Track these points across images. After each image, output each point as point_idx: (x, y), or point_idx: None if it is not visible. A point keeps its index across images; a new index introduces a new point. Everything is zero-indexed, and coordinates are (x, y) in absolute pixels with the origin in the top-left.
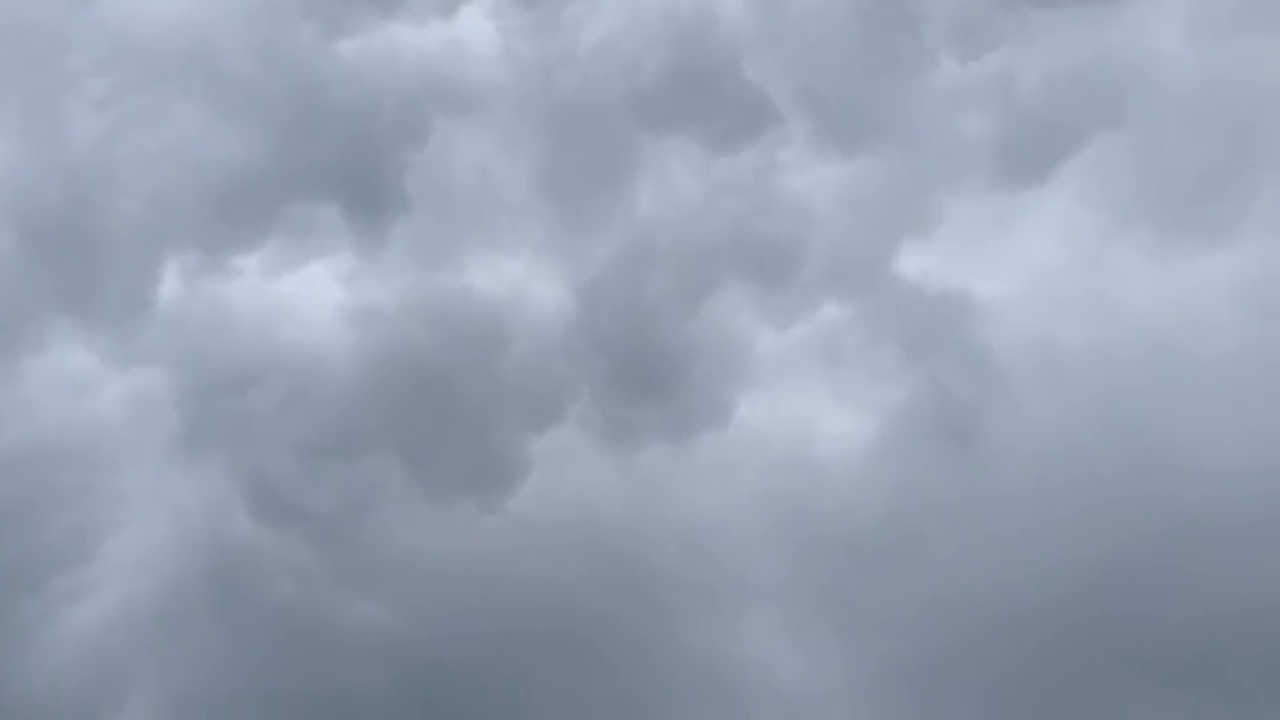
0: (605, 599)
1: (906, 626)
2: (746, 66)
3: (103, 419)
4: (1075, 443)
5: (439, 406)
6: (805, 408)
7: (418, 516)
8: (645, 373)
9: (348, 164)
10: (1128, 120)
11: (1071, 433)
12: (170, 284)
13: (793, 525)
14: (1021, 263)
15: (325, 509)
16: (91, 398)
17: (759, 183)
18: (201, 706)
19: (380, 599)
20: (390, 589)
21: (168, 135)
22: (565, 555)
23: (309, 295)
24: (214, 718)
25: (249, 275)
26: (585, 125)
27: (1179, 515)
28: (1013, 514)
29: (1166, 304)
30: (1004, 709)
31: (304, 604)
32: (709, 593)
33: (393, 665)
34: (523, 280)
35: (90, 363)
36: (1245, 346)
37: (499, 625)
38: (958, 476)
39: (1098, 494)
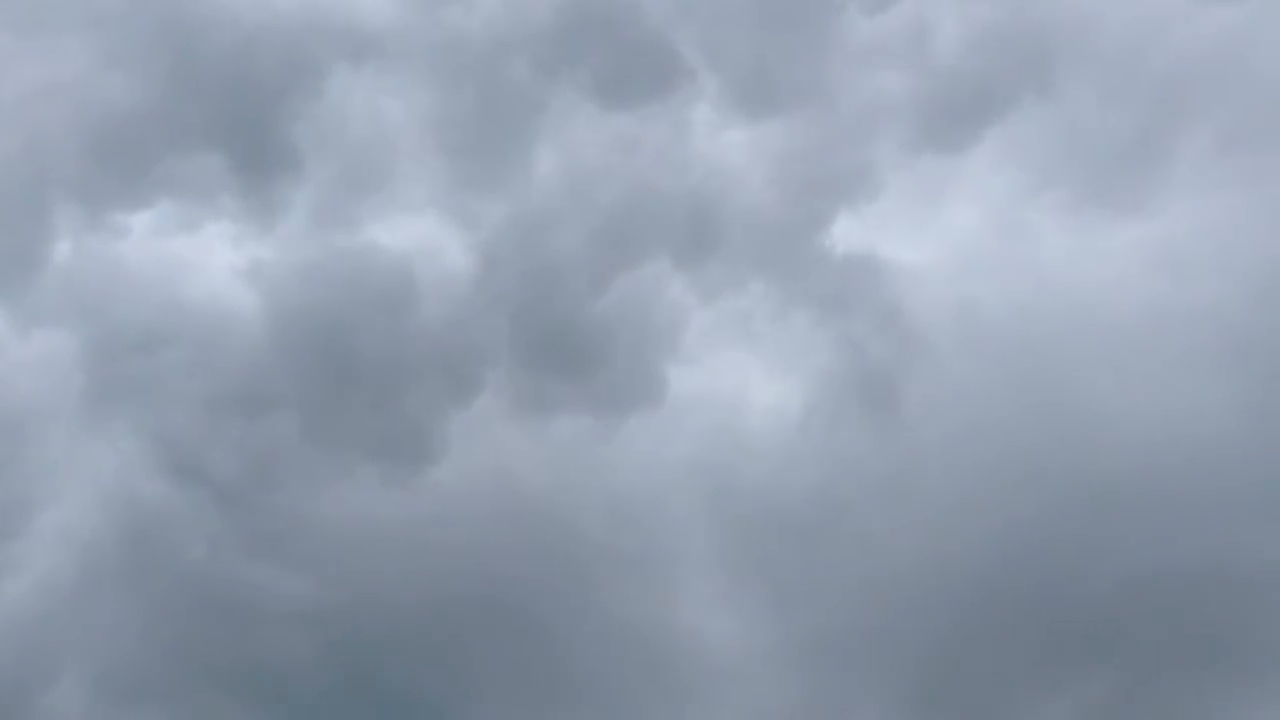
0: (531, 568)
1: (835, 595)
2: (655, 23)
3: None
4: (995, 408)
5: (345, 371)
6: (730, 378)
7: (329, 483)
8: (562, 341)
9: (235, 115)
10: (1050, 83)
11: (991, 398)
12: (62, 242)
13: (721, 497)
14: (942, 228)
15: (234, 473)
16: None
17: (672, 144)
18: (129, 679)
19: (297, 566)
20: (307, 556)
21: (47, 75)
22: (488, 525)
23: (204, 256)
24: (143, 691)
25: (140, 234)
26: (486, 75)
27: (1099, 482)
28: (936, 482)
29: (1085, 268)
30: (931, 675)
31: (219, 571)
32: (638, 562)
33: (316, 634)
34: (426, 238)
35: None
36: (1163, 311)
37: (423, 594)
38: (882, 445)
39: (1019, 460)
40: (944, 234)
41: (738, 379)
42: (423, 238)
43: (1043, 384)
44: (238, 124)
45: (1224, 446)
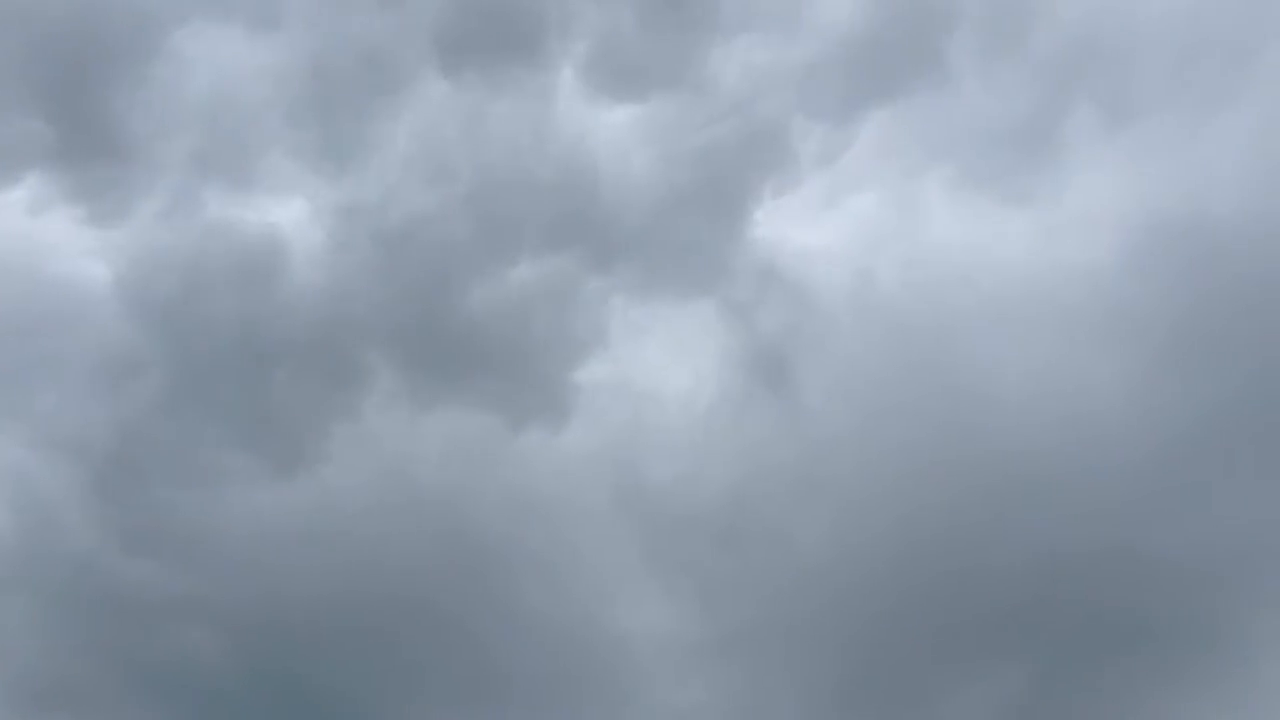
0: (436, 564)
1: (751, 589)
2: None
3: None
4: (895, 391)
5: (218, 361)
6: (632, 370)
7: (209, 478)
8: (447, 332)
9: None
10: (941, 61)
11: (891, 381)
12: None
13: (630, 491)
14: (836, 208)
15: (109, 466)
16: None
17: (540, 123)
18: (36, 681)
19: (183, 563)
20: (192, 552)
21: None
22: (385, 519)
23: (56, 236)
24: (53, 692)
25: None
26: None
27: (1003, 465)
28: (845, 470)
29: (980, 247)
30: (852, 666)
31: (108, 566)
32: (549, 559)
33: (220, 631)
34: (288, 219)
35: None
36: (1059, 288)
37: (325, 590)
38: (789, 434)
39: (924, 446)
40: (838, 214)
41: (640, 370)
42: (282, 216)
43: (942, 366)
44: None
45: (1126, 424)
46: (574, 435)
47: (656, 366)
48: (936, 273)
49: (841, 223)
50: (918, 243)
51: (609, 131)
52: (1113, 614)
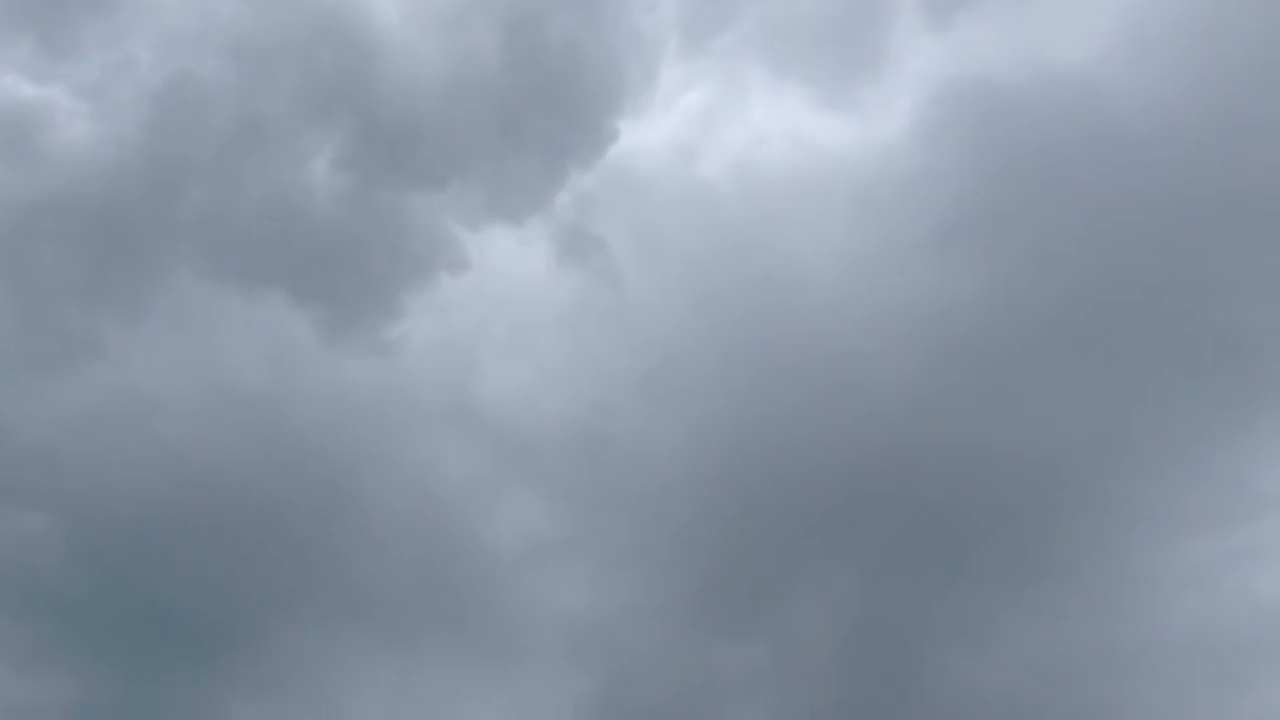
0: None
1: (597, 498)
2: None
3: None
4: (728, 297)
5: None
6: (471, 285)
7: None
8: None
9: None
10: None
11: (723, 286)
12: None
13: (479, 406)
14: (668, 107)
15: None
16: None
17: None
18: None
19: None
20: None
21: None
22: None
23: None
24: None
25: None
26: None
27: (835, 368)
28: (688, 378)
29: (807, 145)
30: (709, 571)
31: None
32: (410, 475)
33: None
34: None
35: None
36: (881, 186)
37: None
38: (629, 344)
39: (750, 340)
40: (668, 113)
41: (478, 275)
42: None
43: (763, 254)
44: None
45: (956, 325)
46: (417, 343)
47: (493, 272)
48: (764, 170)
49: (671, 119)
50: (745, 139)
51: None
52: (941, 510)
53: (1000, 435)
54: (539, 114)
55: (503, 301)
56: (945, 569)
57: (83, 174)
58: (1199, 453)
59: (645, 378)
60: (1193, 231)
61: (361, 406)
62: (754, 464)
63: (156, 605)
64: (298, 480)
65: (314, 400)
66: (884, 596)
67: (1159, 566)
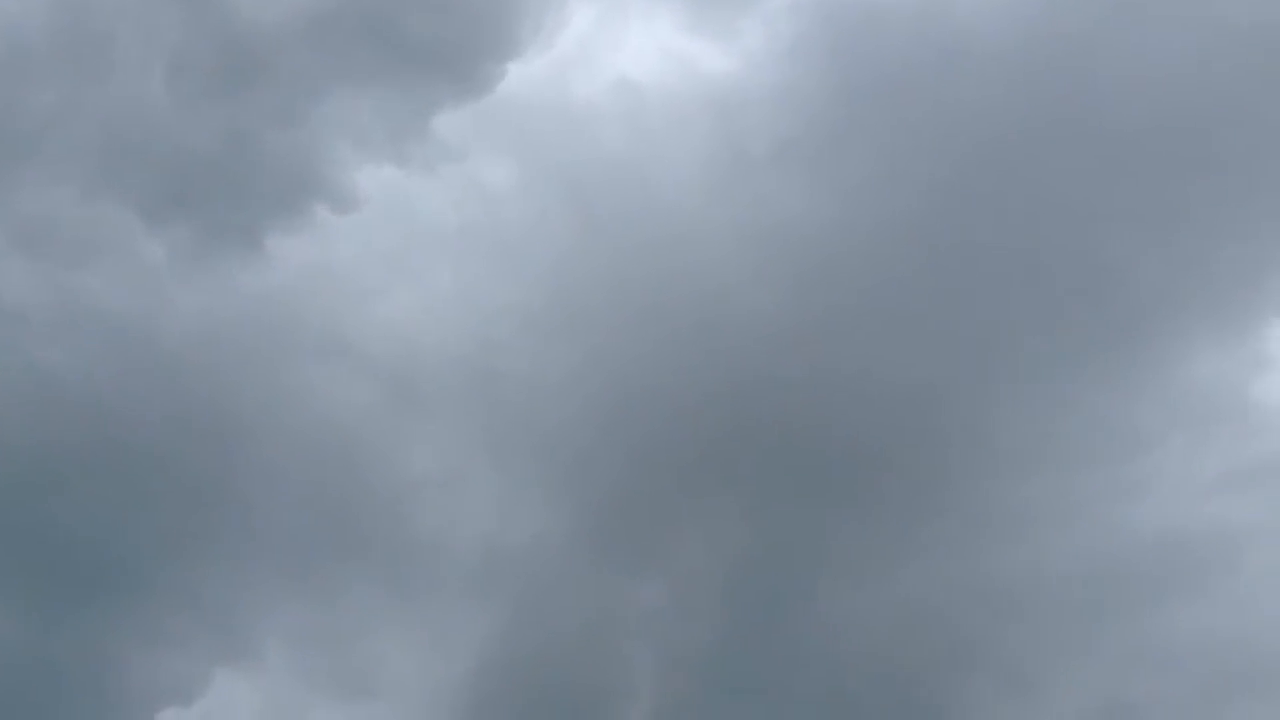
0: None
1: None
2: None
3: None
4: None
5: None
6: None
7: None
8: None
9: None
10: None
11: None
12: None
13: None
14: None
15: None
16: None
17: None
18: None
19: None
20: None
21: None
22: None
23: None
24: None
25: None
26: None
27: (699, 293)
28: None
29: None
30: (607, 506)
31: None
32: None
33: None
34: None
35: None
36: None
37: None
38: (503, 268)
39: (632, 281)
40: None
41: (355, 214)
42: None
43: (650, 198)
44: None
45: (822, 250)
46: (288, 275)
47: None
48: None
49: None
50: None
51: None
52: (817, 443)
53: (872, 365)
54: (415, 37)
55: (381, 231)
56: (823, 503)
57: None
58: (1068, 385)
59: (532, 310)
60: (1051, 153)
61: (238, 337)
62: (642, 398)
63: (36, 545)
64: (178, 411)
65: (185, 328)
66: (767, 532)
67: (1033, 501)
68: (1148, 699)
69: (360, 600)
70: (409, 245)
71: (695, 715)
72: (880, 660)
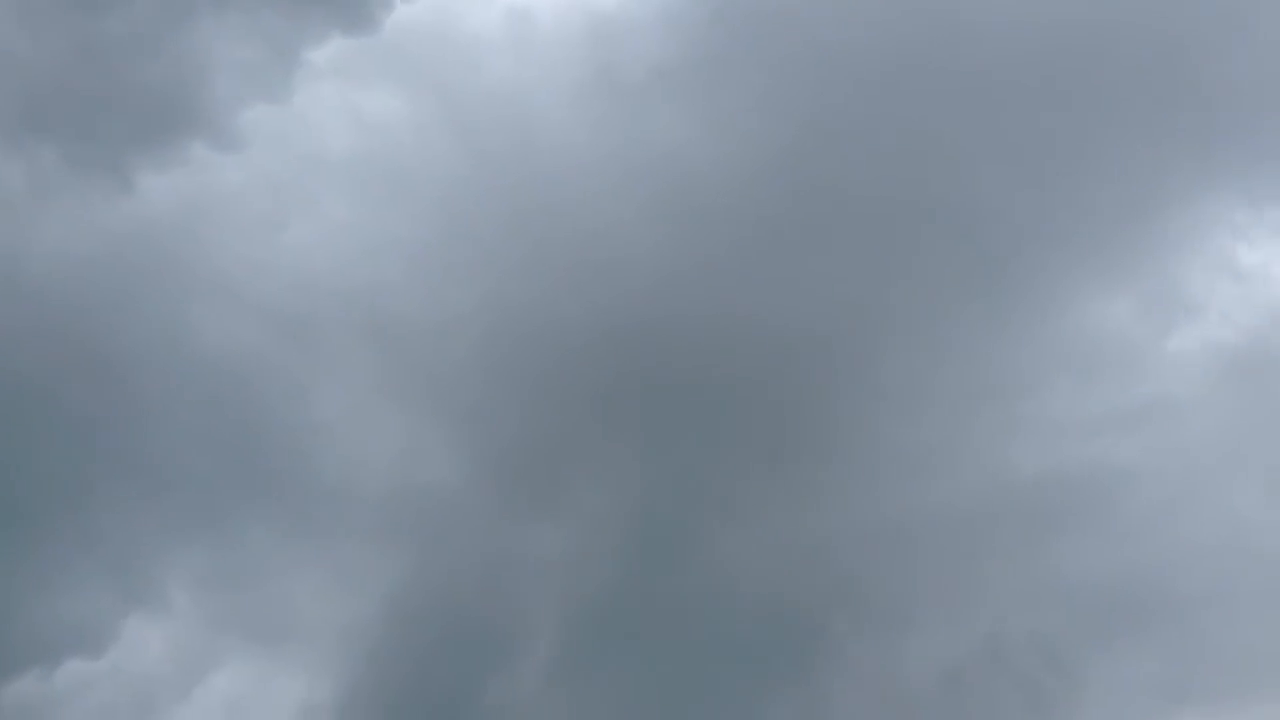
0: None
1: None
2: None
3: None
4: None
5: None
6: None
7: None
8: None
9: None
10: None
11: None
12: None
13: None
14: None
15: None
16: None
17: None
18: None
19: None
20: None
21: None
22: None
23: None
24: None
25: None
26: None
27: (584, 232)
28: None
29: None
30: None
31: None
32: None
33: None
34: None
35: None
36: None
37: None
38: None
39: (522, 219)
40: None
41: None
42: None
43: (535, 135)
44: None
45: (708, 190)
46: (164, 210)
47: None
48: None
49: None
50: None
51: None
52: (703, 387)
53: (757, 309)
54: None
55: (264, 169)
56: (709, 447)
57: None
58: (953, 328)
59: (424, 248)
60: (928, 86)
61: (110, 274)
62: (535, 341)
63: None
64: (52, 349)
65: (51, 263)
66: (656, 477)
67: (920, 443)
68: (1030, 634)
69: (265, 542)
70: (294, 182)
71: (593, 655)
72: (771, 602)
